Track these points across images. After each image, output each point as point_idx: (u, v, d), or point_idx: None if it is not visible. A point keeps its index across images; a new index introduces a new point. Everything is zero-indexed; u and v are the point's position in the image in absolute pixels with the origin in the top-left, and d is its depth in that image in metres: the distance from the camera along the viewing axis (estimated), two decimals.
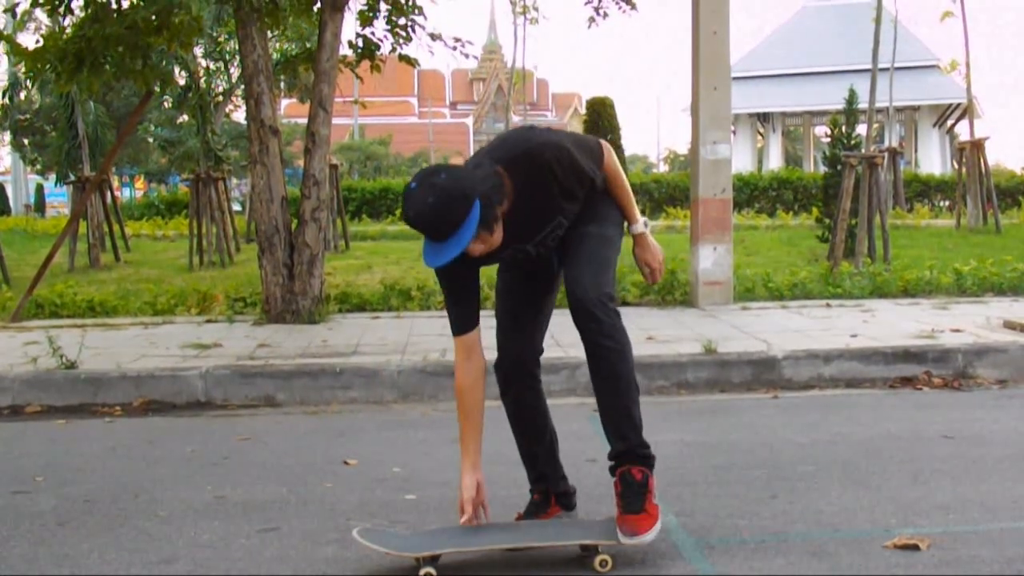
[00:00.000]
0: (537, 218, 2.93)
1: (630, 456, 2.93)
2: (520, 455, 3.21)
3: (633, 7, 8.65)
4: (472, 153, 3.13)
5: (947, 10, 13.78)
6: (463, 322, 2.98)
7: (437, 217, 2.64)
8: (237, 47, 8.29)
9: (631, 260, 3.30)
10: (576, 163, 2.92)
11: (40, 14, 8.34)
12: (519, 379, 3.13)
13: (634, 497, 2.89)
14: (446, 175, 2.68)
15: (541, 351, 3.18)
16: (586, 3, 8.66)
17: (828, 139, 13.03)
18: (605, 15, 8.69)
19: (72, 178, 14.58)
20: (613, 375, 2.92)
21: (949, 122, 31.69)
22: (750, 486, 3.65)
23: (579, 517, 3.24)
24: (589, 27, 9.12)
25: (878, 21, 11.75)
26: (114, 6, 7.59)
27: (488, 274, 3.42)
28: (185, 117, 26.69)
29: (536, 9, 17.56)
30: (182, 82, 14.76)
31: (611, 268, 3.00)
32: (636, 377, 2.96)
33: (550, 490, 3.18)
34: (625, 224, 3.16)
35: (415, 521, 3.31)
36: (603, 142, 3.08)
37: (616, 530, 2.86)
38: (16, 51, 9.39)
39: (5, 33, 10.55)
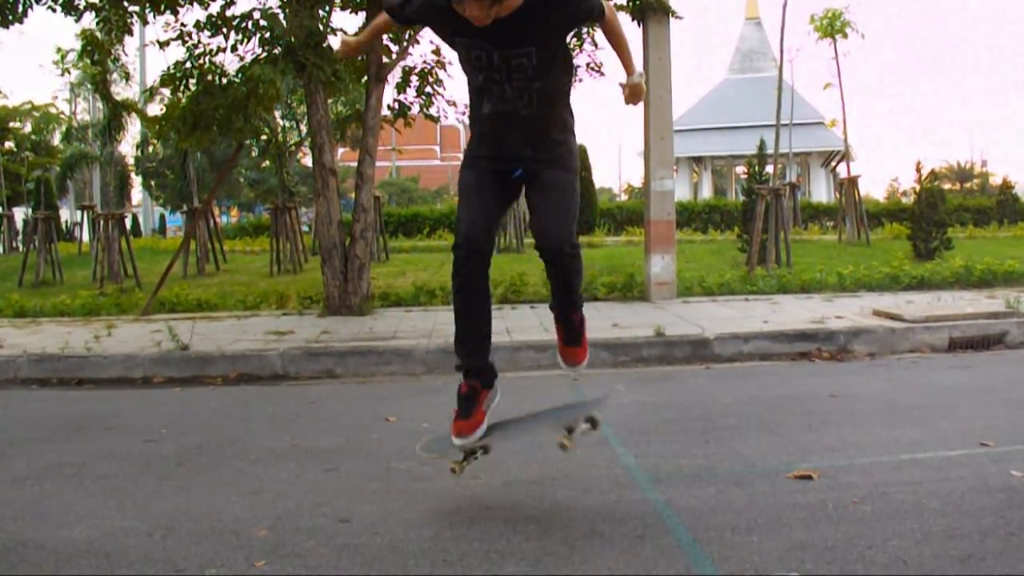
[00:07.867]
0: (517, 35, 2.52)
1: (572, 306, 2.90)
2: (458, 338, 2.81)
3: (602, 74, 8.65)
4: None
5: (828, 82, 13.84)
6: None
7: None
8: (306, 110, 8.27)
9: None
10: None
11: (164, 89, 8.36)
12: (475, 258, 2.65)
13: (575, 333, 2.95)
14: None
15: (493, 244, 2.83)
16: None
17: (745, 176, 13.03)
18: (580, 80, 8.68)
19: (185, 208, 14.60)
20: (575, 275, 2.81)
21: (832, 164, 31.66)
22: (689, 434, 3.65)
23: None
24: None
25: (780, 90, 11.73)
26: (218, 83, 7.60)
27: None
28: (267, 162, 26.71)
29: None
30: (265, 136, 14.72)
31: (576, 216, 2.75)
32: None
33: (479, 372, 2.82)
34: (625, 74, 2.73)
35: (438, 463, 3.30)
36: (609, 5, 2.63)
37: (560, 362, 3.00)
38: (143, 118, 9.39)
39: (137, 106, 10.54)
